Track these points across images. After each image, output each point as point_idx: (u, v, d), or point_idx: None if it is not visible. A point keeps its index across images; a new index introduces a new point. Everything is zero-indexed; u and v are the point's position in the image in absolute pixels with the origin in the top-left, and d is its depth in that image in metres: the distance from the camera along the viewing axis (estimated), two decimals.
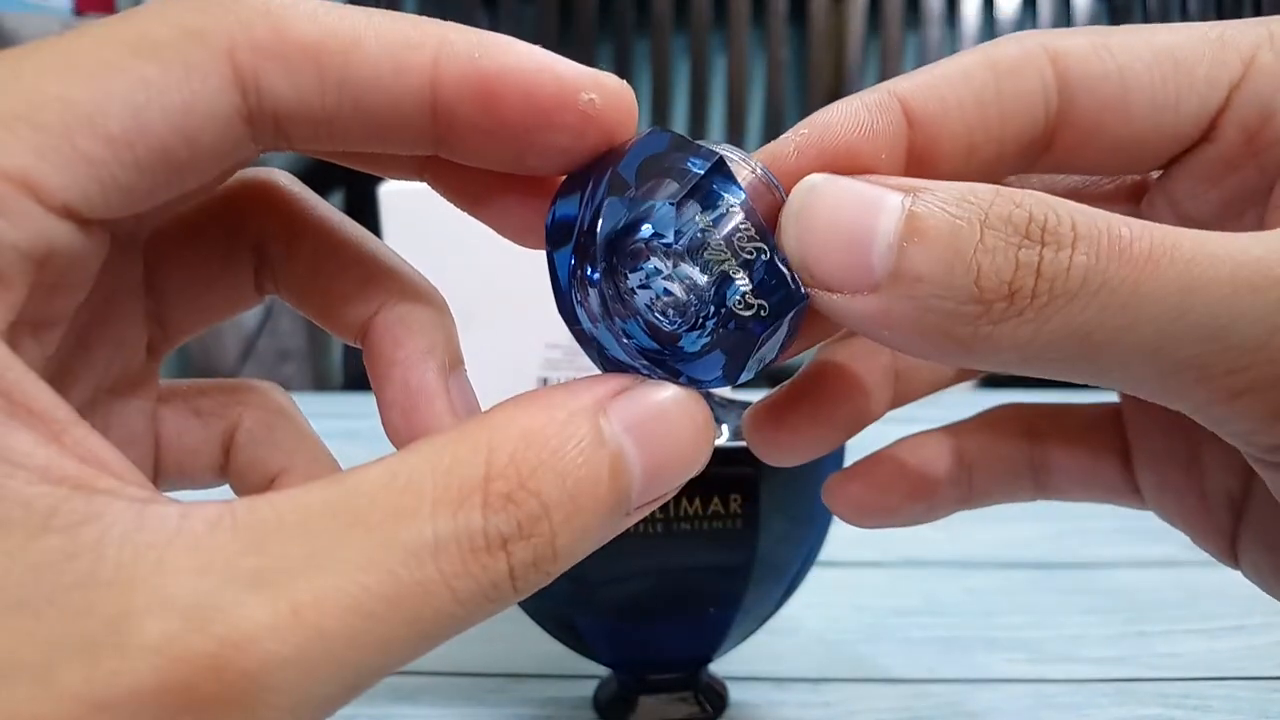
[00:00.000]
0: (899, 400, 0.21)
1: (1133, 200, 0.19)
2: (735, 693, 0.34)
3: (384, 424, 0.18)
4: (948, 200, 0.14)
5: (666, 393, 0.14)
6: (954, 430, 0.21)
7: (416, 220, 0.19)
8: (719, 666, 0.35)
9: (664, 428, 0.14)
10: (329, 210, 0.19)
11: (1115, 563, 0.46)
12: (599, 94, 0.15)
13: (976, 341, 0.14)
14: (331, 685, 0.12)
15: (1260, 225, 0.17)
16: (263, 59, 0.14)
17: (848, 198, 0.15)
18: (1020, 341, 0.14)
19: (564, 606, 0.30)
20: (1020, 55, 0.17)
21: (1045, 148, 0.18)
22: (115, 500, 0.12)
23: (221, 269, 0.19)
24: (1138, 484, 0.21)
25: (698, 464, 0.15)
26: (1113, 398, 0.21)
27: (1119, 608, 0.42)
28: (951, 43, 1.81)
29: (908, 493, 0.21)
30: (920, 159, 0.17)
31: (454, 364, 0.18)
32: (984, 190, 0.14)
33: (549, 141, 0.15)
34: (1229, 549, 0.19)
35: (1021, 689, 0.35)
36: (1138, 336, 0.14)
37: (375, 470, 0.13)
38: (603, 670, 0.35)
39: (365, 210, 0.30)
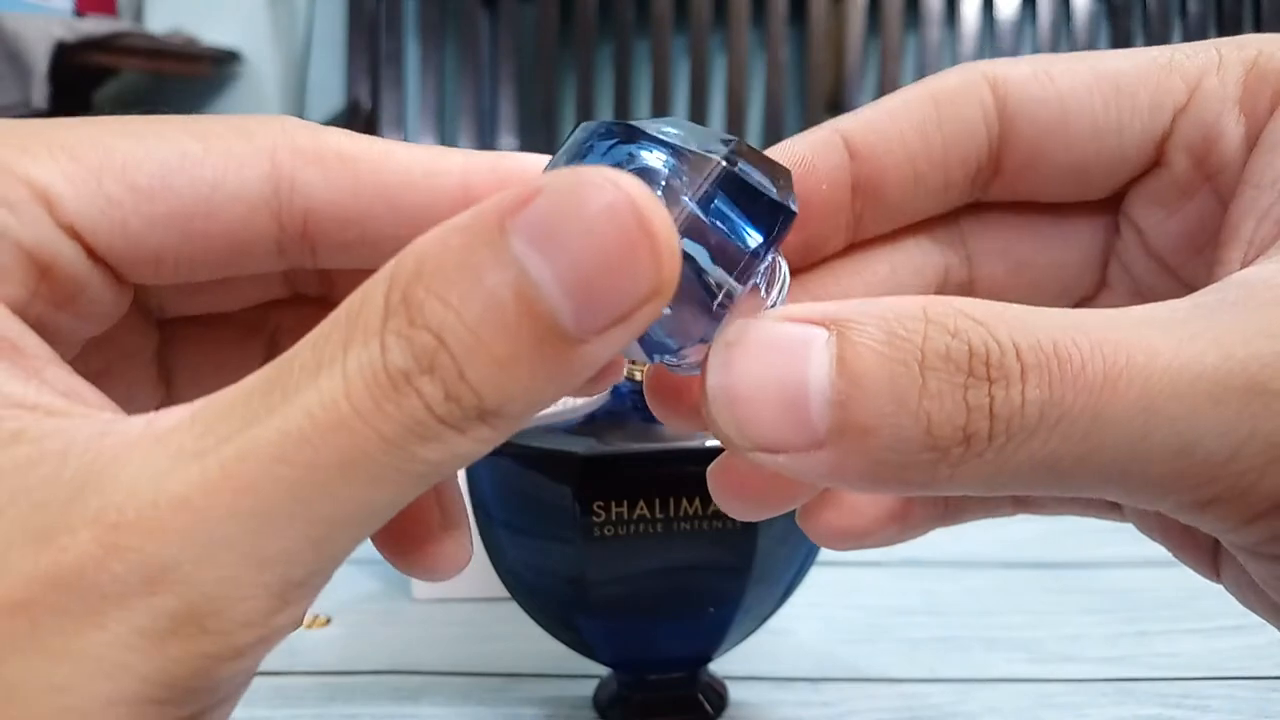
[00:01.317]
0: None
1: (1109, 212, 0.19)
2: (735, 693, 0.34)
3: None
4: (876, 338, 0.13)
5: (576, 189, 0.12)
6: None
7: None
8: (719, 666, 0.35)
9: (575, 231, 0.11)
10: None
11: (1115, 563, 0.46)
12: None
13: (936, 484, 0.14)
14: (284, 537, 0.12)
15: (1214, 263, 0.17)
16: (302, 161, 0.15)
17: (771, 351, 0.13)
18: (982, 478, 0.13)
19: (564, 606, 0.31)
20: (960, 84, 0.17)
21: (994, 173, 0.18)
22: (83, 419, 0.12)
23: (233, 354, 0.19)
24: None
25: (641, 268, 0.12)
26: None
27: (1119, 607, 0.42)
28: (951, 43, 1.81)
29: (880, 514, 0.20)
30: (866, 190, 0.17)
31: None
32: (911, 318, 0.13)
33: None
34: (1210, 563, 0.19)
35: (1021, 689, 0.35)
36: (1102, 461, 0.13)
37: (311, 333, 0.12)
38: (603, 670, 0.35)
39: None
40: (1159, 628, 0.40)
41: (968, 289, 0.19)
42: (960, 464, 0.13)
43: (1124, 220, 0.18)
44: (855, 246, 0.18)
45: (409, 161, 0.16)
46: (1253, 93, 0.17)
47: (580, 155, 0.15)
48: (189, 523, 0.11)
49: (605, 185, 0.12)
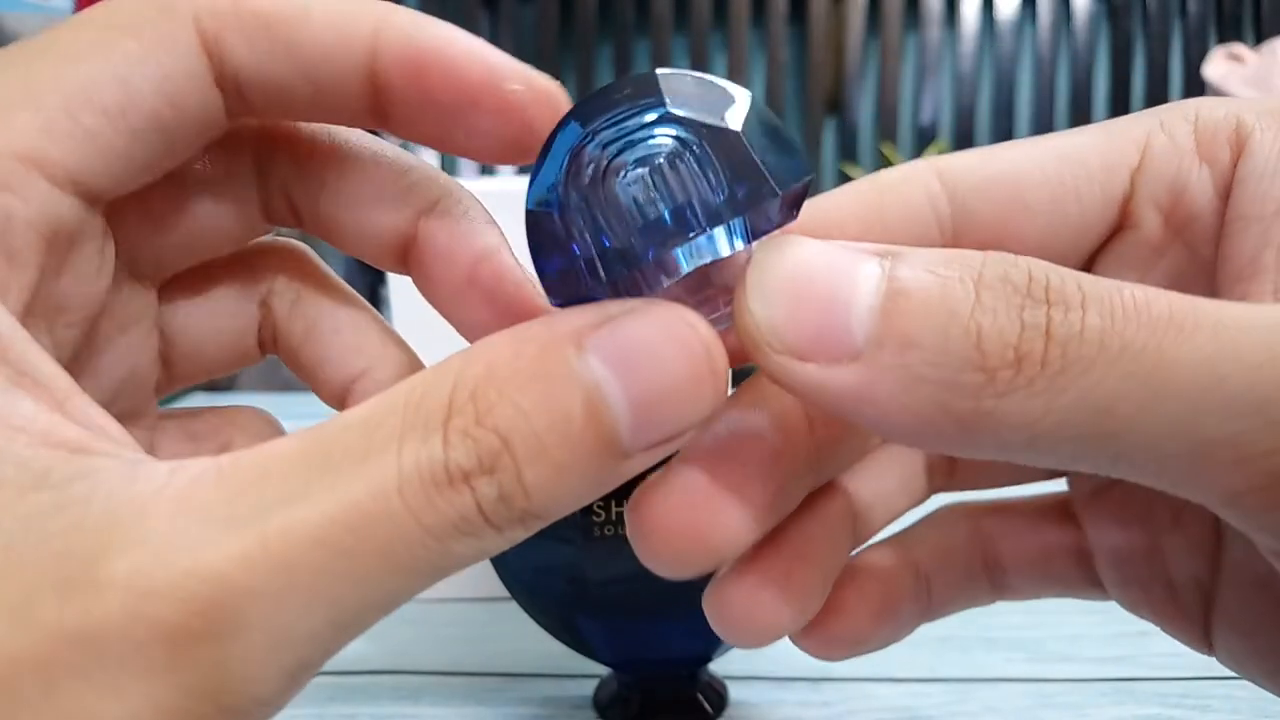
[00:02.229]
0: (859, 540, 0.19)
1: None
2: (735, 692, 0.34)
3: None
4: (932, 261, 0.13)
5: (654, 320, 0.13)
6: (904, 539, 0.20)
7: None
8: (719, 666, 0.35)
9: (651, 359, 0.12)
10: (335, 279, 0.20)
11: None
12: (525, 86, 0.16)
13: (978, 418, 0.12)
14: (310, 619, 0.12)
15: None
16: (222, 26, 0.15)
17: (821, 258, 0.13)
18: (1030, 418, 0.12)
19: (564, 606, 0.31)
20: (905, 171, 0.17)
21: None
22: (108, 459, 0.12)
23: (229, 319, 0.20)
24: (1098, 577, 0.19)
25: (702, 399, 0.13)
26: (1060, 487, 0.20)
27: (1118, 607, 0.42)
28: (952, 43, 1.81)
29: (875, 616, 0.19)
30: None
31: None
32: (971, 251, 0.13)
33: (473, 123, 0.16)
34: (1202, 636, 0.18)
35: (1021, 688, 0.35)
36: (1166, 411, 0.12)
37: (354, 411, 0.13)
38: (603, 670, 0.35)
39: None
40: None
41: None
42: (1007, 394, 0.12)
43: None
44: None
45: (323, 24, 0.15)
46: (1207, 141, 0.16)
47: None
48: (221, 598, 0.11)
49: (681, 324, 0.13)
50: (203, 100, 0.15)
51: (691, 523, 0.15)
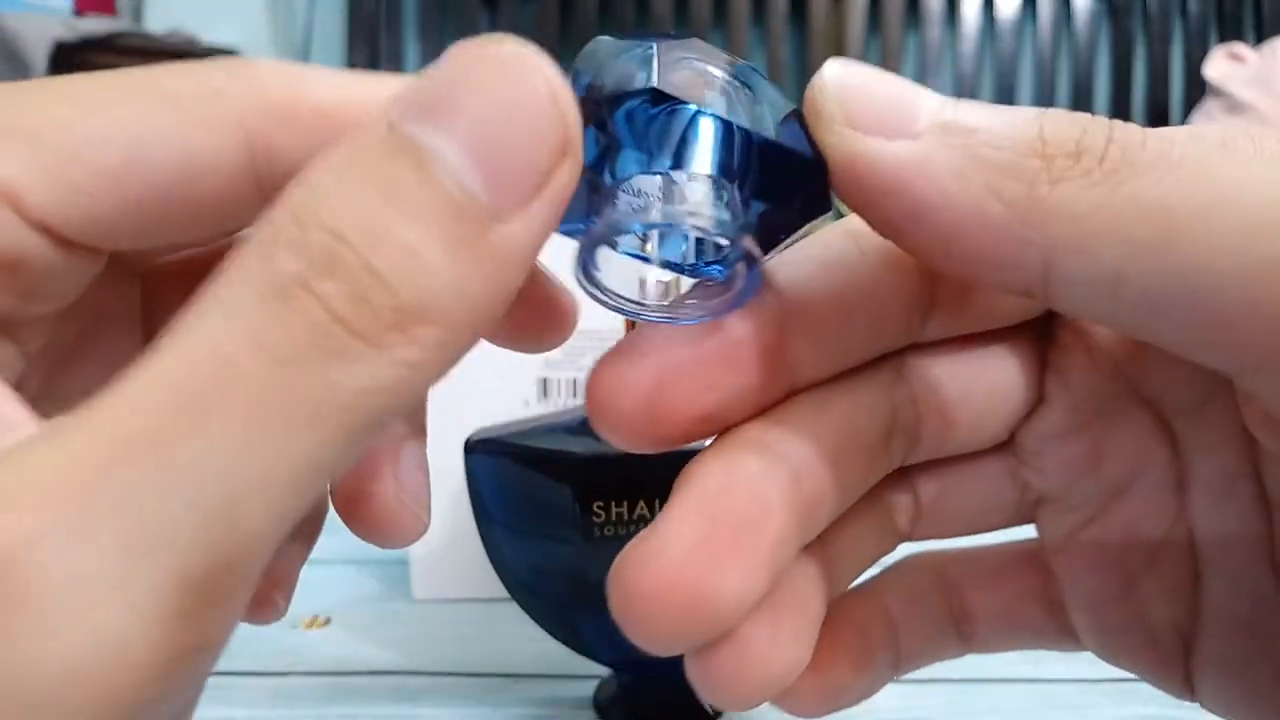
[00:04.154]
0: (833, 591, 0.18)
1: (1041, 324, 0.18)
2: None
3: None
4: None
5: (459, 54, 0.11)
6: (872, 587, 0.19)
7: None
8: None
9: (475, 93, 0.11)
10: None
11: None
12: None
13: (1027, 205, 0.12)
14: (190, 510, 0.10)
15: None
16: (276, 123, 0.14)
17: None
18: (1082, 208, 0.12)
19: (564, 606, 0.30)
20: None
21: (931, 305, 0.17)
22: None
23: None
24: (1072, 626, 0.18)
25: (548, 120, 0.11)
26: (1029, 533, 0.19)
27: None
28: (952, 43, 1.81)
29: (855, 666, 0.18)
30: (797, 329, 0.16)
31: (415, 434, 0.18)
32: None
33: None
34: (1184, 682, 0.17)
35: (1022, 689, 0.35)
36: (1227, 219, 0.12)
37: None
38: (603, 670, 0.35)
39: None
40: None
41: (915, 430, 0.17)
42: (1062, 180, 0.12)
43: (1065, 328, 0.17)
44: (801, 392, 0.16)
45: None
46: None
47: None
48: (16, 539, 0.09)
49: (487, 43, 0.11)
50: (227, 192, 0.14)
51: (692, 586, 0.14)
